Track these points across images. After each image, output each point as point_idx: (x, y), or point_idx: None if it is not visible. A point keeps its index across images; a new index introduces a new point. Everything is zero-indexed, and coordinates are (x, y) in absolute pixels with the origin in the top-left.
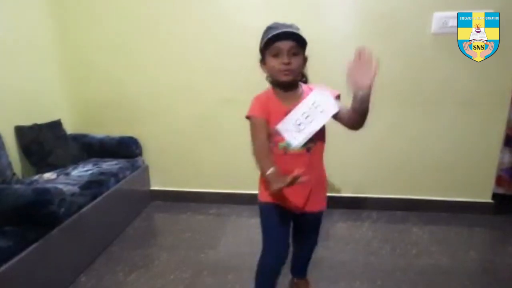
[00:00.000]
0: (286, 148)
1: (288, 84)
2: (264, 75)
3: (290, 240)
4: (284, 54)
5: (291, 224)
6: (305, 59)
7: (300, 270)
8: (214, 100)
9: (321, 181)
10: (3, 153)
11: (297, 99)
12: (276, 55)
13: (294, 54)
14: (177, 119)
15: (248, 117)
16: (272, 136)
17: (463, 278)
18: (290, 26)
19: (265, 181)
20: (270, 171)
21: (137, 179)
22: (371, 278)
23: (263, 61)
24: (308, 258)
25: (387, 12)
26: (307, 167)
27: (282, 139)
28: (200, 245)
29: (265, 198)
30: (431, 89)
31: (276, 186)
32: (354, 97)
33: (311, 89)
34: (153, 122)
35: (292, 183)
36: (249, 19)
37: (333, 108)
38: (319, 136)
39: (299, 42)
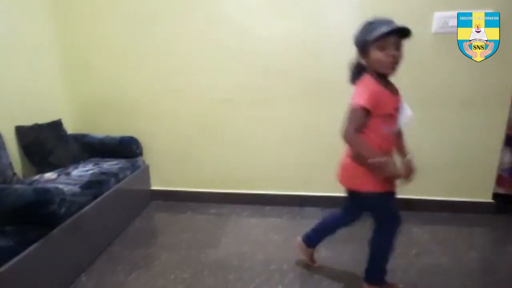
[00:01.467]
0: (389, 130)
1: (387, 76)
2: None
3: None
4: (392, 47)
5: None
6: None
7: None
8: (214, 100)
9: None
10: (4, 153)
11: (394, 87)
12: (383, 48)
13: (398, 48)
14: (178, 119)
15: (357, 105)
16: (387, 123)
17: (463, 278)
18: (392, 21)
19: (371, 171)
20: (386, 158)
21: (137, 179)
22: None
23: (364, 54)
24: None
25: (387, 12)
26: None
27: (394, 124)
28: (200, 244)
29: (384, 187)
30: (432, 88)
31: (388, 172)
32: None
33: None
34: (153, 122)
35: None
36: (249, 20)
37: (408, 108)
38: None
39: (403, 36)
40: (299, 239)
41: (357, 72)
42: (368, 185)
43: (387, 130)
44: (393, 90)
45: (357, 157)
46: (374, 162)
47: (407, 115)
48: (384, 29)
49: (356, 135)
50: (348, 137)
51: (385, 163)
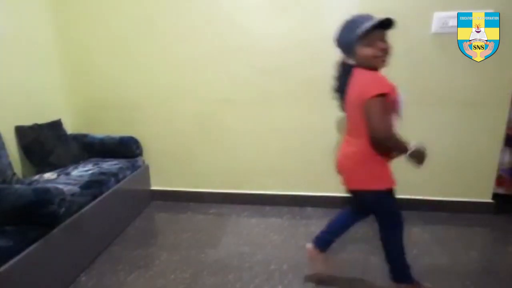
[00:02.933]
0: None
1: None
2: None
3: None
4: (379, 41)
5: None
6: None
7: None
8: (214, 100)
9: None
10: (4, 153)
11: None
12: (370, 44)
13: (384, 41)
14: (177, 119)
15: (381, 95)
16: (394, 111)
17: (463, 278)
18: (373, 16)
19: (385, 167)
20: (416, 147)
21: (137, 179)
22: (372, 278)
23: (350, 53)
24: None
25: (388, 12)
26: None
27: (396, 115)
28: (200, 244)
29: (386, 184)
30: (431, 89)
31: (422, 161)
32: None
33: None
34: (153, 122)
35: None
36: (249, 19)
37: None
38: None
39: (386, 28)
40: (310, 246)
41: (346, 72)
42: (373, 184)
43: (395, 120)
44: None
45: (389, 153)
46: (414, 152)
47: (402, 101)
48: (367, 24)
49: (393, 131)
50: (388, 135)
51: (423, 151)
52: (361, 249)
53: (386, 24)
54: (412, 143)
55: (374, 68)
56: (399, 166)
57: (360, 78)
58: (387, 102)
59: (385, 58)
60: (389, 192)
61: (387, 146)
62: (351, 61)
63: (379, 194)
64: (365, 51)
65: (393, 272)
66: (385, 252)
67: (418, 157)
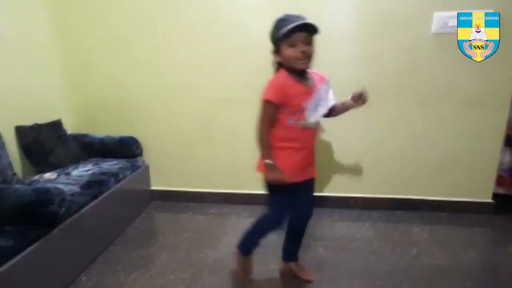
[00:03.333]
0: (305, 125)
1: (303, 71)
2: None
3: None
4: (301, 43)
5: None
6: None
7: (292, 253)
8: (214, 100)
9: (314, 152)
10: (4, 153)
11: (310, 82)
12: (292, 45)
13: (308, 43)
14: (177, 119)
15: (264, 100)
16: (294, 114)
17: (463, 278)
18: (303, 17)
19: (285, 157)
20: (270, 161)
21: (137, 179)
22: (372, 278)
23: (277, 51)
24: (302, 235)
25: (388, 12)
26: (313, 140)
27: (304, 117)
28: (200, 245)
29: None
30: (432, 89)
31: (271, 177)
32: (348, 105)
33: (318, 75)
34: (153, 122)
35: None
36: (249, 19)
37: (333, 101)
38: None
39: (312, 32)
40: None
41: (276, 69)
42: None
43: (292, 122)
44: (307, 84)
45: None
46: (268, 164)
47: (318, 112)
48: (290, 26)
49: (266, 134)
50: (260, 135)
51: (272, 169)
52: (362, 249)
53: (310, 27)
54: (272, 162)
55: (295, 69)
56: (400, 166)
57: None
58: (273, 107)
59: (306, 61)
60: (280, 186)
61: (259, 145)
62: (279, 59)
63: (268, 183)
64: (287, 51)
65: (242, 241)
66: (250, 226)
67: (269, 170)
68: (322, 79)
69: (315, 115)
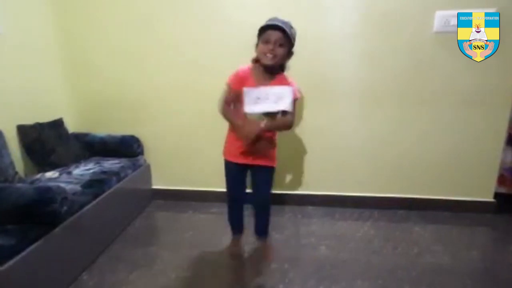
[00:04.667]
0: (247, 114)
1: (268, 67)
2: None
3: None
4: (272, 42)
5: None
6: (290, 53)
7: (259, 229)
8: (215, 100)
9: (268, 146)
10: (6, 152)
11: (268, 81)
12: (265, 42)
13: (281, 45)
14: (179, 118)
15: (226, 83)
16: (241, 101)
17: (464, 277)
18: (284, 22)
19: (230, 139)
20: (240, 123)
21: (138, 178)
22: (373, 277)
23: (257, 45)
24: (262, 215)
25: (389, 10)
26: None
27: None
28: (201, 244)
29: (226, 156)
30: (433, 88)
31: (244, 134)
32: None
33: (286, 81)
34: (154, 121)
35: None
36: (250, 18)
37: (282, 108)
38: (274, 117)
39: (286, 36)
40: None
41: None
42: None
43: (239, 107)
44: (265, 80)
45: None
46: (241, 128)
47: (256, 106)
48: (264, 24)
49: (224, 107)
50: (219, 108)
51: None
52: (363, 248)
53: (277, 28)
54: (240, 123)
55: (261, 63)
56: (401, 165)
57: None
58: (231, 91)
59: (270, 58)
60: (227, 162)
61: (223, 117)
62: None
63: (225, 163)
64: (259, 46)
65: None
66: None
67: (242, 132)
68: (285, 83)
69: (252, 107)
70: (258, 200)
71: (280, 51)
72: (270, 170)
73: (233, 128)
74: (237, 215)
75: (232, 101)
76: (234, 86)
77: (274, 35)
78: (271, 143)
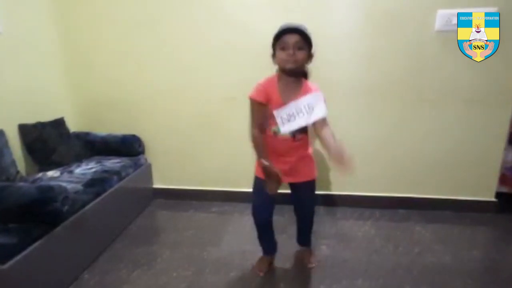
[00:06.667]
0: (276, 132)
1: (292, 73)
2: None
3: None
4: (290, 47)
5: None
6: (310, 56)
7: (302, 239)
8: (216, 99)
9: (304, 160)
10: (7, 151)
11: (296, 94)
12: (283, 48)
13: (300, 48)
14: (180, 117)
15: (249, 98)
16: (268, 119)
17: (465, 276)
18: (298, 25)
19: (259, 163)
20: (266, 162)
21: (139, 177)
22: (374, 276)
23: (274, 55)
24: (307, 226)
25: (391, 9)
26: (290, 150)
27: (275, 123)
28: (202, 243)
29: (259, 174)
30: (435, 87)
31: (268, 178)
32: (327, 149)
33: (310, 89)
34: (155, 120)
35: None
36: (250, 18)
37: (319, 115)
38: (305, 129)
39: (304, 38)
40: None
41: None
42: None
43: (266, 127)
44: (286, 97)
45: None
46: (265, 167)
47: (293, 123)
48: (281, 29)
49: (256, 135)
50: (250, 135)
51: (270, 171)
52: (364, 248)
53: (300, 32)
54: (267, 163)
55: (285, 71)
56: (403, 164)
57: None
58: (259, 107)
59: (293, 64)
60: (260, 181)
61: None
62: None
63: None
64: (279, 54)
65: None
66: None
67: (266, 173)
68: (311, 90)
69: (287, 128)
70: (304, 213)
71: (301, 54)
72: (312, 183)
73: (259, 163)
74: (267, 238)
75: (263, 120)
76: (260, 98)
77: (292, 38)
78: (310, 158)
